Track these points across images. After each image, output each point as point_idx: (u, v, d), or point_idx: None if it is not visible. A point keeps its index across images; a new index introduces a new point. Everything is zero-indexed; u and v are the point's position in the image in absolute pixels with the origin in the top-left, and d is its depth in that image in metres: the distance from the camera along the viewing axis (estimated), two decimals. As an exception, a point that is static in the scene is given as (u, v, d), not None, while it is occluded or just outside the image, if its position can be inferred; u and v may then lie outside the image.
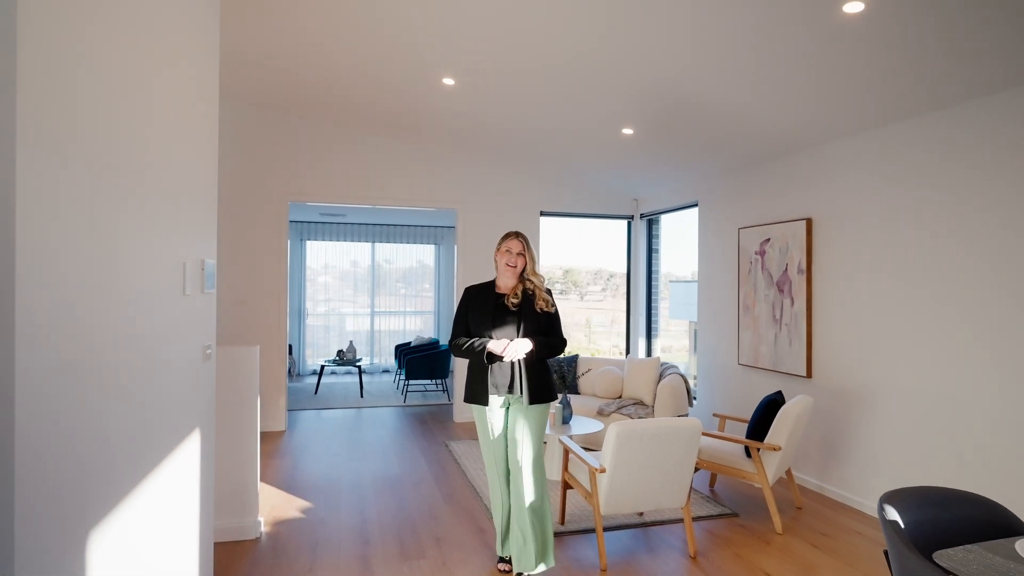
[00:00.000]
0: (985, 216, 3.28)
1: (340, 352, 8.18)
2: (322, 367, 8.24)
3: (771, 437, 3.65)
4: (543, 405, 2.91)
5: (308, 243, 9.81)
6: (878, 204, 3.91)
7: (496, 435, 2.94)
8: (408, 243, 10.17)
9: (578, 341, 12.67)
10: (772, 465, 3.62)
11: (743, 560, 3.22)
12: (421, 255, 10.47)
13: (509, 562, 3.01)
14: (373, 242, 10.10)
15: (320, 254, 10.11)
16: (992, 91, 3.21)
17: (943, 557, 1.60)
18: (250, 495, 3.39)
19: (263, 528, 3.52)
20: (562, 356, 5.75)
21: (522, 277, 2.96)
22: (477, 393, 2.92)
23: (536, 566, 2.81)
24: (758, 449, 3.62)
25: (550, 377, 2.98)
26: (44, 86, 1.15)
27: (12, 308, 1.02)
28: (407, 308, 10.51)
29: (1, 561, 1.00)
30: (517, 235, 2.98)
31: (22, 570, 1.04)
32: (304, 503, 3.98)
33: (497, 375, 2.87)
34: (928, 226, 3.59)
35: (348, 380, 9.16)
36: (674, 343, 10.49)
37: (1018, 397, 3.12)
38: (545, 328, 2.93)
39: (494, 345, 2.81)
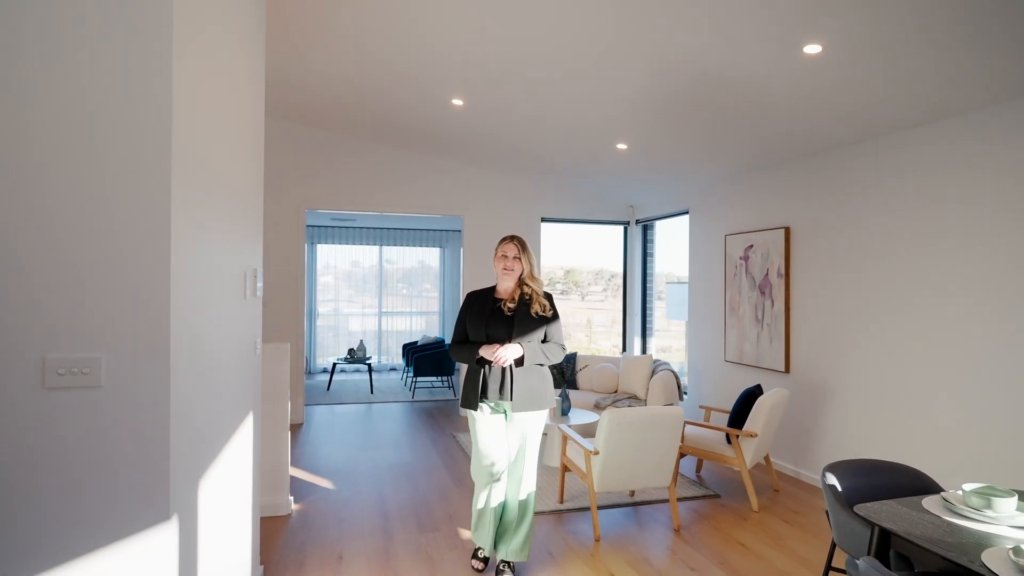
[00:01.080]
0: (940, 230, 3.69)
1: (351, 350, 8.59)
2: (334, 365, 8.66)
3: (748, 425, 4.06)
4: (536, 412, 2.89)
5: (319, 246, 10.22)
6: (847, 215, 4.32)
7: (488, 441, 2.89)
8: (414, 246, 10.59)
9: (579, 341, 12.97)
10: (749, 450, 4.03)
11: (721, 533, 3.64)
12: (426, 257, 10.89)
13: (483, 560, 3.08)
14: (381, 245, 10.51)
15: (330, 257, 10.53)
16: (942, 117, 3.62)
17: (862, 509, 2.01)
18: (283, 476, 3.80)
19: (293, 506, 3.93)
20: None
21: (521, 282, 2.94)
22: (469, 398, 2.90)
23: (519, 555, 2.95)
24: (737, 436, 4.03)
25: (545, 384, 2.93)
26: (185, 134, 1.54)
27: (168, 305, 1.44)
28: (413, 309, 10.92)
29: (161, 491, 1.41)
30: (512, 239, 2.94)
31: (174, 498, 1.45)
32: (327, 486, 4.40)
33: (489, 380, 2.85)
34: (890, 237, 4.00)
35: (357, 377, 9.58)
36: (673, 343, 10.87)
37: (958, 388, 3.53)
38: (541, 334, 2.91)
39: (484, 349, 2.81)
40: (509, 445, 2.93)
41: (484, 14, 3.21)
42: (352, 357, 8.54)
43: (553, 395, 3.00)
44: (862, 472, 2.43)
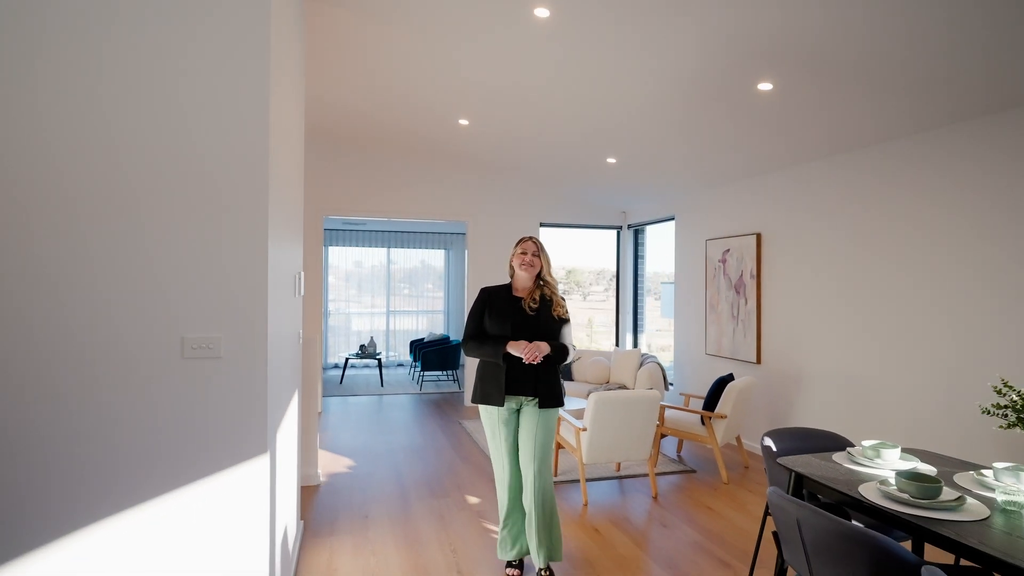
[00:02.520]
0: (886, 238, 4.26)
1: (362, 347, 9.17)
2: (346, 360, 9.24)
3: (719, 408, 4.63)
4: (555, 409, 2.97)
5: (330, 248, 10.79)
6: (811, 223, 4.89)
7: (508, 437, 2.95)
8: (420, 248, 11.16)
9: (579, 340, 13.47)
10: (720, 430, 4.60)
11: (693, 500, 4.21)
12: (431, 259, 11.47)
13: (517, 567, 3.06)
14: (388, 247, 11.08)
15: (340, 258, 11.10)
16: (880, 141, 4.19)
17: (783, 460, 2.57)
18: (313, 451, 4.38)
19: (322, 478, 4.51)
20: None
21: (538, 280, 3.00)
22: (490, 394, 2.90)
23: (557, 556, 2.96)
24: (709, 418, 4.59)
25: (560, 382, 3.02)
26: (273, 164, 2.10)
27: (266, 301, 2.01)
28: (419, 308, 11.50)
29: (261, 433, 1.99)
30: (531, 239, 3.01)
31: (268, 439, 2.03)
32: (349, 462, 4.98)
33: (518, 377, 2.87)
34: (848, 242, 4.57)
35: (367, 372, 10.15)
36: (671, 342, 11.43)
37: (895, 371, 4.10)
38: (559, 334, 2.96)
39: (514, 347, 2.82)
40: (530, 441, 2.95)
41: (488, 50, 3.79)
42: (363, 353, 9.12)
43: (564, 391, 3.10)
44: (796, 437, 2.99)
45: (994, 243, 3.54)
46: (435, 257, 11.48)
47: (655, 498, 4.22)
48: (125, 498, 1.86)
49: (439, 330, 11.36)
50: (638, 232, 7.98)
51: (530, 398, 2.92)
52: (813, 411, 4.82)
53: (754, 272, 5.43)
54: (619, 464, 4.77)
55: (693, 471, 4.84)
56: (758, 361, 5.40)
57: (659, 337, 9.63)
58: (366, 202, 7.07)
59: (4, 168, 1.79)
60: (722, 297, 5.90)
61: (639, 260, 7.99)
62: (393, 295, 11.36)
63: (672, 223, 7.03)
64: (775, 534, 2.28)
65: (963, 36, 2.81)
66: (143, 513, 1.88)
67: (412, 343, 10.06)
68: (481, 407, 2.99)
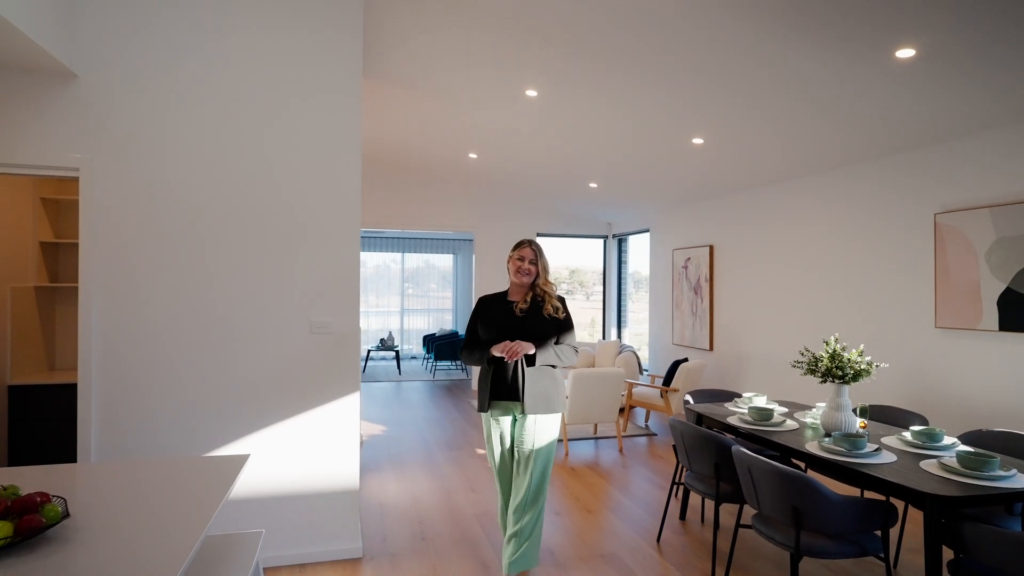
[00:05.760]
0: (819, 250, 5.53)
1: (382, 340, 10.46)
2: (368, 352, 10.52)
3: (673, 384, 5.90)
4: (549, 416, 2.80)
5: (351, 253, 12.05)
6: (749, 238, 6.15)
7: (502, 445, 2.88)
8: (432, 253, 12.44)
9: (580, 339, 14.66)
10: (674, 401, 5.87)
11: (649, 452, 5.48)
12: (442, 263, 12.75)
13: None
14: (403, 252, 12.36)
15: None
16: (815, 171, 5.46)
17: (691, 407, 3.85)
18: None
19: (363, 437, 5.80)
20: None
21: (534, 286, 2.91)
22: (481, 400, 2.87)
23: (530, 565, 2.81)
24: (665, 391, 5.87)
25: (557, 388, 2.84)
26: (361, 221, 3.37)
27: (357, 297, 3.30)
28: (430, 307, 12.78)
29: (355, 378, 3.27)
30: (530, 244, 2.92)
31: (358, 384, 3.31)
32: (382, 427, 6.27)
33: (500, 381, 2.79)
34: (774, 253, 5.84)
35: (385, 363, 11.44)
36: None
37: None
38: (553, 336, 2.84)
39: (496, 348, 2.75)
40: (519, 449, 2.83)
41: (493, 113, 5.07)
42: (383, 345, 10.41)
43: (564, 400, 2.92)
44: (706, 394, 4.26)
45: (863, 258, 4.80)
46: (444, 261, 12.76)
47: (621, 451, 5.50)
48: (280, 413, 3.15)
49: (448, 326, 12.64)
50: (621, 241, 9.24)
51: (517, 403, 2.80)
52: (747, 382, 6.09)
53: (708, 277, 6.70)
54: (596, 426, 6.04)
55: (655, 435, 6.11)
56: (711, 348, 6.67)
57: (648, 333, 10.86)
58: (389, 216, 8.35)
59: (231, 221, 3.08)
60: (685, 297, 7.17)
61: (622, 265, 9.25)
62: (406, 295, 12.64)
63: (648, 234, 8.30)
64: (674, 446, 3.54)
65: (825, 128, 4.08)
66: (290, 423, 3.16)
67: (425, 337, 11.34)
68: (483, 416, 2.94)
